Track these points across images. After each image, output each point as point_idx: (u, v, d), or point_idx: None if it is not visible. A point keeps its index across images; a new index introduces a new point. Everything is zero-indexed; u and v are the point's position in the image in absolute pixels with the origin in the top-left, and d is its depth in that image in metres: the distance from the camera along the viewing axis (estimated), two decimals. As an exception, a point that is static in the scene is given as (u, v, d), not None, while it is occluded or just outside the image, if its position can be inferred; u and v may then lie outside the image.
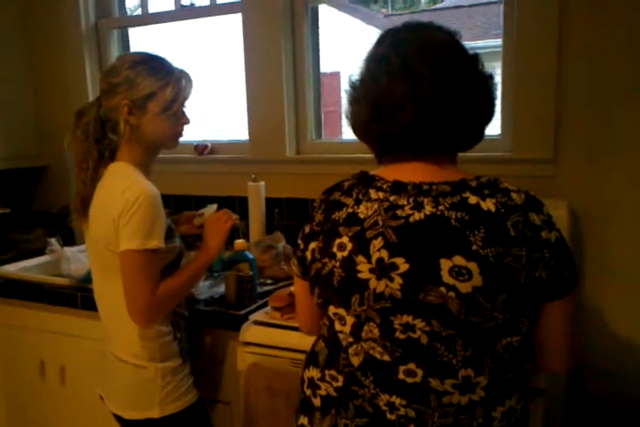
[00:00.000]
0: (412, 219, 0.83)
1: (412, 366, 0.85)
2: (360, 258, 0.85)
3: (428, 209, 0.83)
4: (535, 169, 1.65)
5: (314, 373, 0.97)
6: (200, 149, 2.21)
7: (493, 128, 1.82)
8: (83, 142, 1.32)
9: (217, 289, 1.67)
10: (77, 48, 2.38)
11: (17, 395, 1.99)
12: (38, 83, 2.50)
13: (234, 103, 2.21)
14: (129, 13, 2.52)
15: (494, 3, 2.21)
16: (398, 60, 0.86)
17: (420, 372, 0.85)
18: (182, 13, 2.30)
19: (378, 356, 0.87)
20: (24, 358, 1.92)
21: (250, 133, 2.11)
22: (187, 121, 1.36)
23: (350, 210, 0.89)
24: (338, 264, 0.88)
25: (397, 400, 0.86)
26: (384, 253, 0.84)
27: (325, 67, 2.14)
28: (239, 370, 1.44)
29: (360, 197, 0.89)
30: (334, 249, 0.88)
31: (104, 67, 2.43)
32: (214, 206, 1.60)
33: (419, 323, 0.83)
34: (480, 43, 5.67)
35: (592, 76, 1.57)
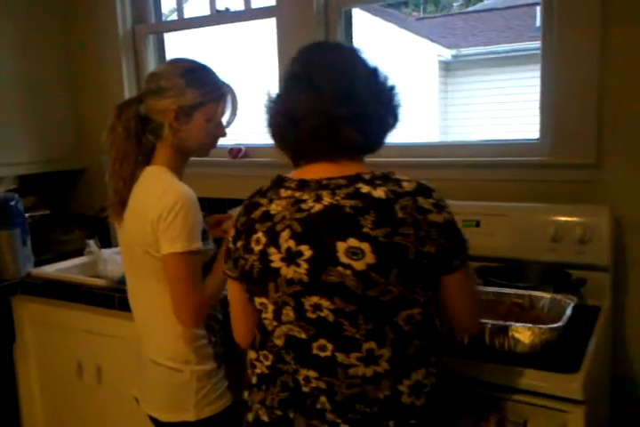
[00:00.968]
0: (313, 210, 0.94)
1: (323, 341, 0.94)
2: (272, 249, 0.96)
3: (327, 200, 0.94)
4: (575, 174, 1.62)
5: (252, 354, 1.07)
6: (234, 152, 2.23)
7: (532, 132, 1.79)
8: (125, 139, 1.33)
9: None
10: (115, 53, 2.43)
11: (54, 394, 2.03)
12: (76, 88, 2.55)
13: (268, 107, 2.22)
14: (164, 18, 2.56)
15: (529, 5, 2.18)
16: (305, 77, 0.99)
17: (330, 346, 0.94)
18: (217, 18, 2.32)
19: (297, 334, 0.96)
20: (61, 358, 1.95)
21: (284, 137, 2.11)
22: (224, 134, 1.40)
23: (264, 208, 1.00)
24: (255, 257, 0.98)
25: (311, 373, 0.96)
26: (291, 243, 0.94)
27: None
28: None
29: (273, 196, 1.00)
30: (252, 245, 0.99)
31: (141, 71, 2.47)
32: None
33: (324, 302, 0.92)
34: (515, 45, 5.62)
35: (635, 78, 1.53)
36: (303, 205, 0.95)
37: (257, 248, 0.98)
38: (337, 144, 0.98)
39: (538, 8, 4.75)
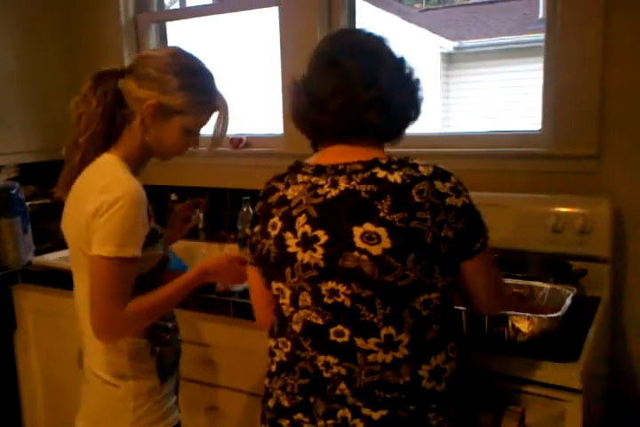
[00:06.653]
0: (329, 195, 0.94)
1: (340, 327, 0.94)
2: (288, 234, 0.96)
3: (343, 185, 0.94)
4: (577, 165, 1.62)
5: (271, 342, 1.06)
6: (235, 142, 2.22)
7: (533, 124, 1.78)
8: (99, 115, 1.19)
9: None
10: (117, 42, 2.42)
11: (55, 382, 2.04)
12: (78, 76, 2.53)
13: (269, 97, 2.21)
14: (166, 7, 2.54)
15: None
16: (330, 57, 0.99)
17: (347, 332, 0.93)
18: (219, 7, 2.32)
19: (314, 320, 0.96)
20: (62, 346, 1.95)
21: (284, 127, 2.11)
22: (196, 147, 1.27)
23: (280, 193, 0.99)
24: (272, 242, 0.98)
25: (331, 359, 0.95)
26: (307, 228, 0.94)
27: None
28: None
29: (289, 181, 1.00)
30: (269, 229, 0.99)
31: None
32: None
33: (341, 287, 0.92)
34: (517, 37, 5.59)
35: (637, 69, 1.52)
36: (319, 191, 0.95)
37: (273, 233, 0.98)
38: (359, 128, 0.98)
39: (540, 0, 4.73)
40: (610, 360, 1.60)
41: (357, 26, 2.07)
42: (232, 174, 2.22)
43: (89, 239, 1.12)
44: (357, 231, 0.90)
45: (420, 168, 0.93)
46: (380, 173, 0.92)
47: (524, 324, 1.16)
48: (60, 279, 1.88)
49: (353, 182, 0.93)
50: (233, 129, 2.20)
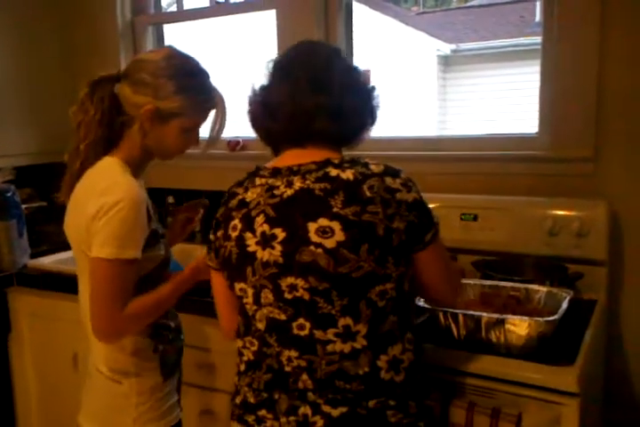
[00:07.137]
0: (285, 195, 0.98)
1: (301, 320, 0.97)
2: (248, 234, 0.99)
3: (298, 185, 0.98)
4: (573, 168, 1.62)
5: (239, 343, 1.08)
6: (232, 144, 2.22)
7: (530, 127, 1.79)
8: (97, 124, 1.20)
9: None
10: (114, 44, 2.41)
11: (49, 385, 2.03)
12: (75, 79, 2.53)
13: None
14: (164, 10, 2.54)
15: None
16: (283, 68, 1.06)
17: (307, 325, 0.96)
18: (216, 10, 2.31)
19: (277, 316, 0.99)
20: (57, 349, 1.95)
21: (282, 130, 2.10)
22: (197, 145, 1.29)
23: (240, 197, 1.03)
24: (233, 243, 1.01)
25: (293, 353, 0.98)
26: (265, 227, 0.98)
27: (357, 64, 2.12)
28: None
29: (248, 185, 1.04)
30: (230, 231, 1.02)
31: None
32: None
33: (300, 282, 0.95)
34: (514, 40, 5.60)
35: (634, 72, 1.53)
36: (276, 191, 0.99)
37: (234, 234, 1.01)
38: (309, 133, 1.02)
39: (537, 3, 4.75)
40: (606, 362, 1.60)
41: (354, 29, 2.07)
42: (229, 177, 2.19)
43: (90, 242, 1.14)
44: (312, 227, 0.94)
45: (371, 166, 0.98)
46: (333, 172, 0.97)
47: (520, 327, 1.15)
48: (56, 282, 1.88)
49: (307, 182, 0.97)
50: (230, 131, 2.22)
